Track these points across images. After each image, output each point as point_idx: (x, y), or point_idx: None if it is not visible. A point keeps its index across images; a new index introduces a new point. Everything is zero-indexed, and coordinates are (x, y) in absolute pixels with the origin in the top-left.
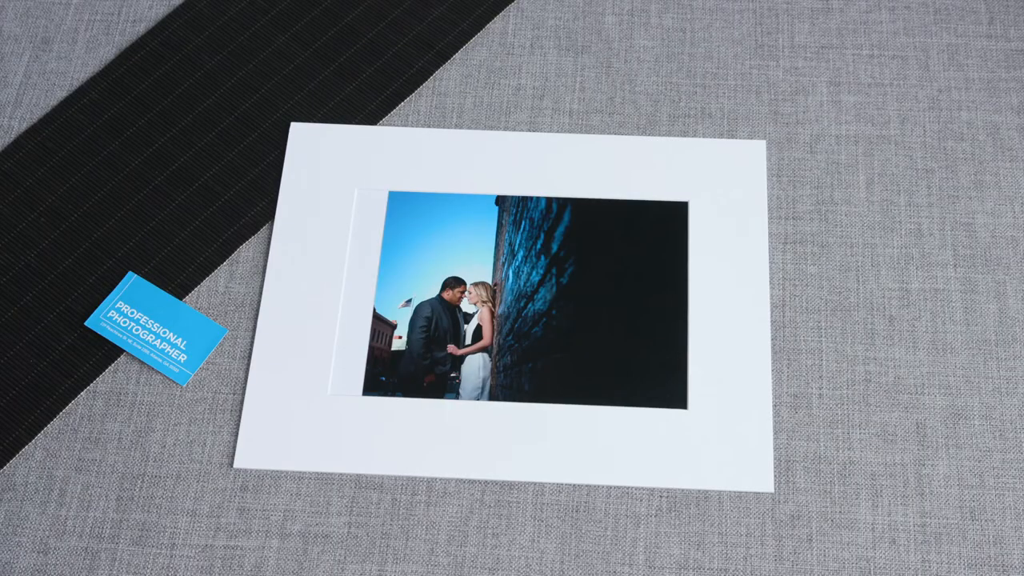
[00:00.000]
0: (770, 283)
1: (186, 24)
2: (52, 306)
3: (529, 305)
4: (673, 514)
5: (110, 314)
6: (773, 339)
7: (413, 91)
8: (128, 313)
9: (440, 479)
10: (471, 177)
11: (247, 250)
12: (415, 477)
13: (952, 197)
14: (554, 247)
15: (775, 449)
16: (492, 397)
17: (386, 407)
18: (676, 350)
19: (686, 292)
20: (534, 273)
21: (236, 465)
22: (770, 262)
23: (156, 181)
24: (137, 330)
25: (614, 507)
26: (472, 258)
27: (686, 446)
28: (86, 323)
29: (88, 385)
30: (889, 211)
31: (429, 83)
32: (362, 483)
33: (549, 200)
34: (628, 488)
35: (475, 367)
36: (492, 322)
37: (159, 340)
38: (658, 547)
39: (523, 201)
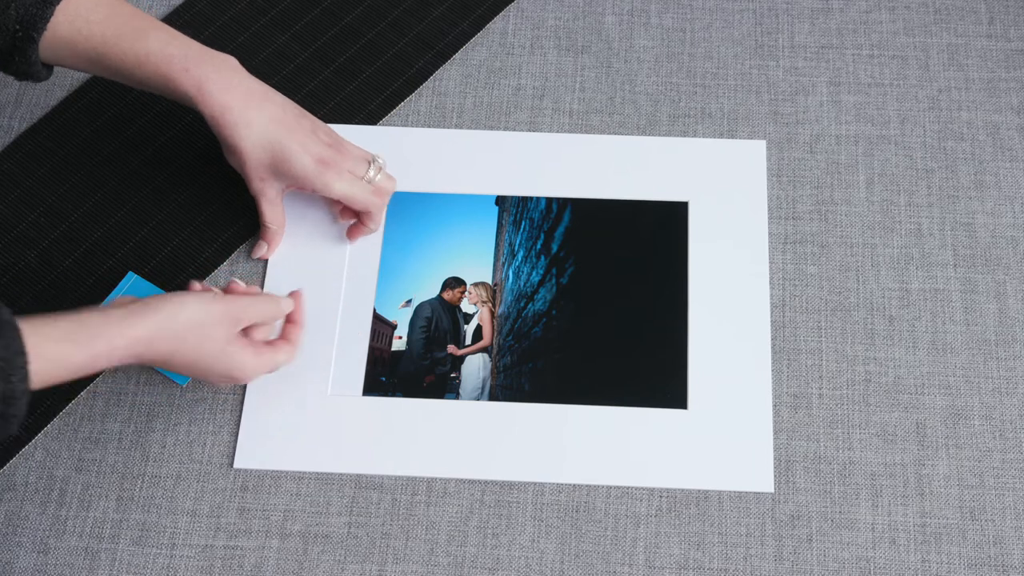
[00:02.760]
0: (770, 283)
1: (186, 24)
2: (52, 306)
3: (529, 305)
4: (673, 514)
5: None
6: (773, 339)
7: (413, 91)
8: None
9: (440, 479)
10: (471, 177)
11: (247, 250)
12: (415, 477)
13: (952, 197)
14: (554, 247)
15: (775, 449)
16: (492, 397)
17: (386, 407)
18: (676, 350)
19: (686, 292)
20: (534, 273)
21: (236, 465)
22: (770, 262)
23: (156, 181)
24: None
25: (614, 507)
26: (472, 258)
27: (686, 446)
28: None
29: (88, 385)
30: (889, 211)
31: (429, 83)
32: (362, 483)
33: (549, 200)
34: (628, 488)
35: (475, 367)
36: (492, 322)
37: None
38: (658, 547)
39: (523, 201)
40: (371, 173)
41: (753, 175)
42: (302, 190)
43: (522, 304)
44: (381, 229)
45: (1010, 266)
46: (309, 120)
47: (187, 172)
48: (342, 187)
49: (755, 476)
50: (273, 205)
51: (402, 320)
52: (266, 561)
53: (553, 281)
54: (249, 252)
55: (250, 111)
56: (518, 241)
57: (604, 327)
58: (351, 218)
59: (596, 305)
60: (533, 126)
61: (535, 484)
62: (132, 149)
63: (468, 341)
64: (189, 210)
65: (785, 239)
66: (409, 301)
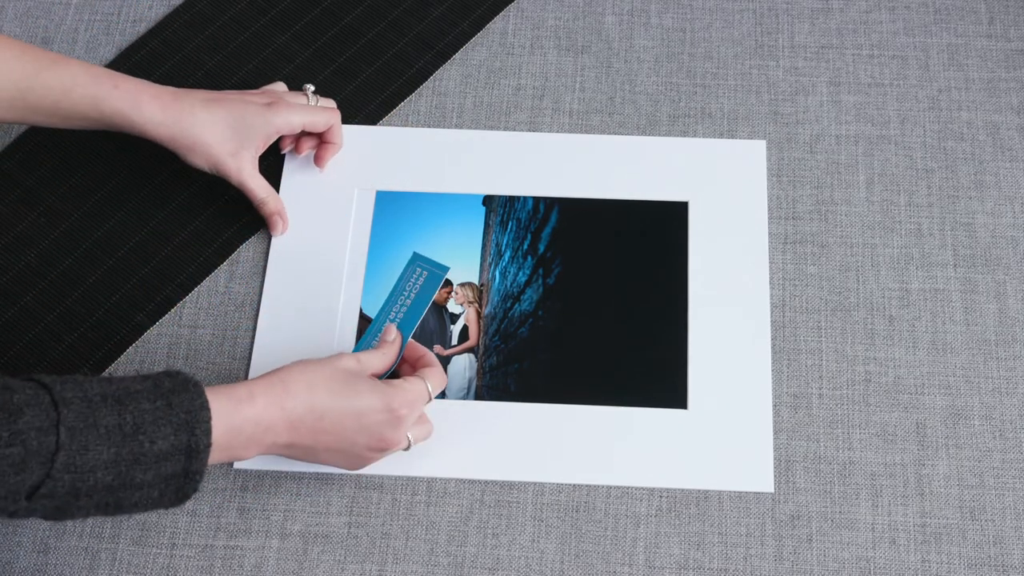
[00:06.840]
0: (770, 283)
1: (186, 24)
2: (52, 306)
3: (515, 306)
4: (673, 514)
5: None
6: (773, 339)
7: (413, 91)
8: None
9: (440, 479)
10: (471, 177)
11: (247, 250)
12: (415, 477)
13: (952, 197)
14: (541, 248)
15: (775, 449)
16: (478, 397)
17: None
18: (676, 350)
19: (686, 292)
20: (520, 274)
21: (236, 465)
22: (770, 262)
23: (156, 181)
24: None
25: (614, 507)
26: (459, 259)
27: (686, 446)
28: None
29: None
30: (889, 211)
31: (429, 83)
32: (362, 483)
33: (536, 200)
34: (628, 488)
35: (461, 368)
36: (478, 323)
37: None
38: (658, 547)
39: (510, 201)
40: (312, 100)
41: (753, 175)
42: (268, 144)
43: (508, 304)
44: (368, 228)
45: (1010, 266)
46: (231, 91)
47: (187, 172)
48: (301, 116)
49: (755, 476)
50: (256, 177)
51: None
52: (266, 561)
53: (540, 282)
54: (249, 252)
55: (185, 100)
56: (505, 241)
57: (593, 327)
58: (310, 147)
59: (585, 305)
60: (533, 126)
61: (535, 484)
62: (132, 149)
63: (454, 341)
64: (189, 210)
65: (785, 239)
66: None
